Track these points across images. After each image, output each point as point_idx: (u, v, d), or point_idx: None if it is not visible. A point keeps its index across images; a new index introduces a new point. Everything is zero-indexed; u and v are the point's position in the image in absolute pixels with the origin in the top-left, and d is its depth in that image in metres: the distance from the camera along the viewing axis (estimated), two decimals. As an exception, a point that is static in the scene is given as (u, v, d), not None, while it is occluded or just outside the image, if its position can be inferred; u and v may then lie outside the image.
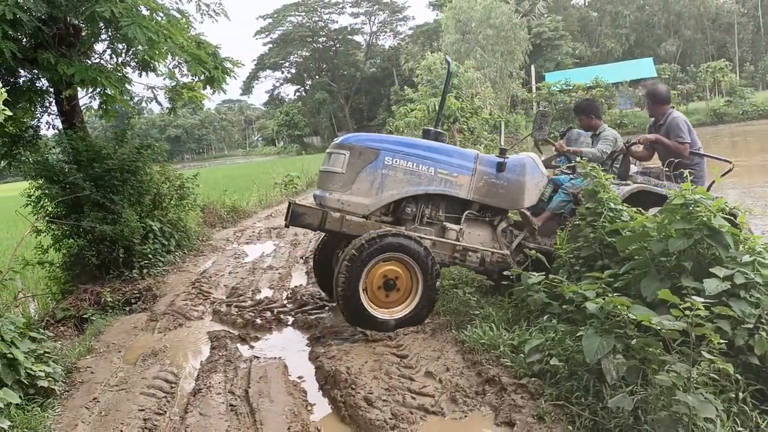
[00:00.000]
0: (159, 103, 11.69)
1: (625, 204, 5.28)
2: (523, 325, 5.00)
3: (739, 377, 3.41)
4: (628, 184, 5.93)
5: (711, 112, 41.13)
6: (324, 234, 6.60)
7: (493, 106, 32.74)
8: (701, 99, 45.16)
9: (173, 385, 5.11)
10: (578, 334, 3.93)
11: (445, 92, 6.65)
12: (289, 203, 5.91)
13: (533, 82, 51.36)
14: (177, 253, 10.01)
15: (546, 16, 58.11)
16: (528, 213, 6.14)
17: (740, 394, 3.36)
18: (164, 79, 10.76)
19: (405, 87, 32.08)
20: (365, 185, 5.76)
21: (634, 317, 3.33)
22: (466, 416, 4.04)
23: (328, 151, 6.07)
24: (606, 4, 69.45)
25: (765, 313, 3.59)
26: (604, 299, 3.77)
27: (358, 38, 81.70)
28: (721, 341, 3.17)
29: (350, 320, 5.60)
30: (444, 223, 6.09)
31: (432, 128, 6.39)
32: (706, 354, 3.08)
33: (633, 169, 6.39)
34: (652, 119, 6.46)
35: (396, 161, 5.79)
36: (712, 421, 3.06)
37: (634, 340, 3.38)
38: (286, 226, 5.92)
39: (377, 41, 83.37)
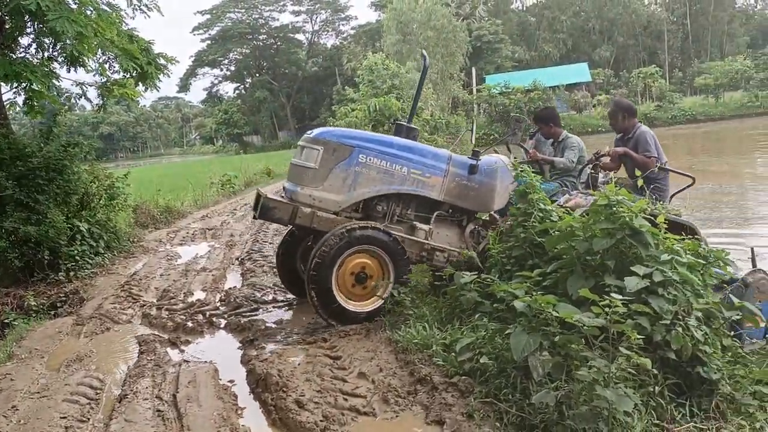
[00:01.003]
0: (88, 100, 11.32)
1: (559, 206, 5.40)
2: (456, 325, 5.04)
3: (657, 372, 3.52)
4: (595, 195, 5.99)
5: (642, 117, 42.65)
6: (291, 229, 6.57)
7: (434, 108, 33.08)
8: (633, 103, 46.75)
9: (98, 392, 4.93)
10: (507, 332, 3.99)
11: (420, 86, 6.58)
12: (259, 195, 5.83)
13: (474, 84, 52.22)
14: (106, 255, 9.68)
15: (486, 19, 59.12)
16: (497, 216, 6.18)
17: (657, 387, 3.48)
18: (94, 74, 10.44)
19: (346, 87, 32.03)
20: (338, 182, 5.72)
21: (558, 315, 3.40)
22: (397, 416, 4.05)
23: (300, 144, 5.99)
24: (544, 9, 71.21)
25: (681, 309, 3.73)
26: (531, 297, 3.84)
27: (299, 37, 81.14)
28: (639, 337, 3.27)
29: (323, 314, 5.62)
30: (414, 222, 6.09)
31: (405, 123, 6.37)
32: (624, 350, 3.17)
33: (600, 178, 6.44)
34: (620, 134, 6.40)
35: (370, 159, 5.76)
36: (630, 414, 3.15)
37: (558, 337, 3.45)
38: (255, 218, 5.84)
39: (319, 40, 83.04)
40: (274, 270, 8.61)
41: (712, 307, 3.84)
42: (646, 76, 47.75)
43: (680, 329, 3.61)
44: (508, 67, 61.14)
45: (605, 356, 3.24)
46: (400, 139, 6.05)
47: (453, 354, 4.47)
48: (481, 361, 4.12)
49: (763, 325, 4.17)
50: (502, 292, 4.55)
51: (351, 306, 5.66)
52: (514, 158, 6.78)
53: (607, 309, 3.19)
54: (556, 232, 4.79)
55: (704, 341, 3.66)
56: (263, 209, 5.68)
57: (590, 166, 6.40)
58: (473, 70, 53.53)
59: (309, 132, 6.11)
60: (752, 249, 5.95)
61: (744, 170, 19.15)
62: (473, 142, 7.15)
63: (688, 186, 6.32)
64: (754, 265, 5.97)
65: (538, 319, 3.81)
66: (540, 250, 5.05)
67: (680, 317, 3.68)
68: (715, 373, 3.60)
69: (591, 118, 44.61)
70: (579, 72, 54.00)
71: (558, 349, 3.70)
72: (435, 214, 6.16)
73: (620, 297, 3.22)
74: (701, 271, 4.10)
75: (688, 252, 4.15)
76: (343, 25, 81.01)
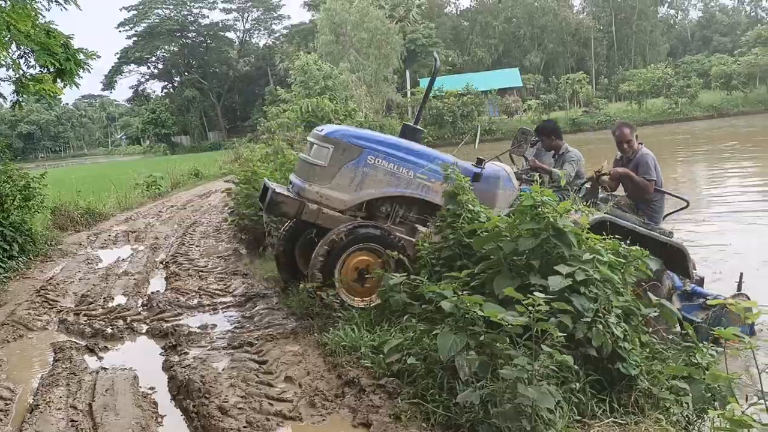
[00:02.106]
0: (2, 96, 10.73)
1: (484, 207, 5.44)
2: (385, 326, 5.01)
3: (579, 368, 3.58)
4: (593, 213, 6.01)
5: (570, 121, 44.04)
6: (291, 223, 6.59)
7: (368, 110, 33.12)
8: (562, 108, 48.29)
9: (8, 402, 4.66)
10: (434, 333, 3.98)
11: (430, 88, 6.64)
12: (266, 188, 5.88)
13: (408, 86, 52.63)
14: (20, 259, 9.18)
15: (420, 23, 59.66)
16: None
17: (579, 384, 3.54)
18: (8, 70, 9.89)
19: (278, 87, 31.64)
20: (345, 181, 5.77)
21: (483, 314, 3.40)
22: (324, 420, 3.98)
23: (310, 140, 6.04)
24: (477, 14, 72.48)
25: (602, 307, 3.81)
26: (458, 298, 3.84)
27: (230, 35, 79.53)
28: (561, 335, 3.31)
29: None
30: (415, 224, 6.12)
31: (411, 125, 6.44)
32: (546, 347, 3.20)
33: (599, 195, 6.51)
34: (625, 154, 6.41)
35: (378, 161, 5.80)
36: (552, 411, 3.19)
37: (483, 336, 3.46)
38: (262, 209, 5.86)
39: (251, 39, 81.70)
40: (201, 273, 8.40)
41: (632, 305, 3.94)
42: (574, 82, 49.30)
43: (600, 326, 3.69)
44: (442, 70, 61.78)
45: (529, 354, 3.26)
46: (409, 143, 6.08)
47: (381, 356, 4.43)
48: (409, 361, 4.10)
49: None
50: (431, 293, 4.55)
51: (355, 303, 5.65)
52: (516, 168, 6.77)
53: (530, 307, 3.21)
54: (484, 233, 4.83)
55: (623, 338, 3.75)
56: (271, 203, 5.73)
57: (589, 182, 6.46)
58: (407, 73, 53.98)
59: (319, 129, 6.14)
60: (741, 274, 6.38)
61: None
62: (477, 148, 7.29)
63: (682, 208, 6.54)
64: (739, 289, 6.30)
65: (464, 318, 3.82)
66: (469, 250, 5.08)
67: (601, 315, 3.75)
68: (634, 368, 3.70)
69: (521, 122, 45.60)
70: (510, 77, 55.23)
71: (484, 348, 3.72)
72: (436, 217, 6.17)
73: (543, 296, 3.24)
74: (622, 270, 4.20)
75: (609, 251, 4.24)
76: (275, 24, 79.95)
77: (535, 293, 3.26)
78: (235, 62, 76.43)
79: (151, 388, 4.77)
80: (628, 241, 4.51)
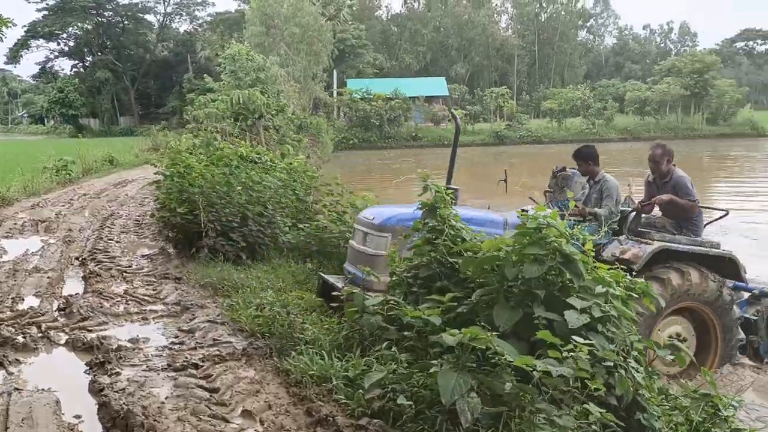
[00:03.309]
0: None
1: (465, 224, 4.97)
2: (357, 352, 4.43)
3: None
4: (649, 243, 5.96)
5: (494, 134, 44.83)
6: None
7: (296, 106, 32.26)
8: (486, 121, 49.08)
9: None
10: (431, 370, 3.46)
11: (455, 146, 6.37)
12: (326, 283, 5.85)
13: (335, 86, 51.97)
14: None
15: (350, 23, 59.16)
16: None
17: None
18: None
19: (204, 75, 30.18)
20: None
21: (511, 361, 2.91)
22: (295, 468, 3.37)
23: (361, 230, 5.89)
24: (407, 20, 72.80)
25: (621, 349, 3.41)
26: (460, 332, 3.33)
27: (150, 18, 75.69)
28: (600, 387, 2.87)
29: None
30: None
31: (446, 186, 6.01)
32: (594, 408, 2.74)
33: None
34: (654, 174, 6.54)
35: None
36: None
37: (509, 384, 2.96)
38: (329, 307, 5.50)
39: (171, 24, 78.16)
40: (124, 274, 7.51)
41: (649, 346, 3.57)
42: (498, 96, 50.18)
43: (623, 371, 3.28)
44: (369, 73, 61.68)
45: (563, 408, 2.80)
46: (459, 211, 5.43)
47: (359, 390, 3.86)
48: (399, 401, 3.55)
49: None
50: (413, 318, 4.03)
51: None
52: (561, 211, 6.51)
53: (569, 354, 2.75)
54: (470, 254, 4.38)
55: (644, 384, 3.36)
56: (342, 303, 4.98)
57: (634, 213, 6.37)
58: (335, 72, 53.31)
59: (368, 216, 5.98)
60: None
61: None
62: (507, 192, 6.91)
63: (721, 217, 6.73)
64: None
65: (466, 355, 3.33)
66: (449, 271, 4.60)
67: (622, 357, 3.35)
68: (656, 420, 3.31)
69: (447, 131, 46.05)
70: (437, 85, 55.68)
71: (482, 388, 3.25)
72: None
73: (582, 341, 2.78)
74: (631, 305, 3.83)
75: (619, 283, 3.86)
76: (198, 10, 76.69)
77: (574, 338, 2.80)
78: (153, 46, 72.87)
79: (77, 417, 3.99)
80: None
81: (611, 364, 3.28)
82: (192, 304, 6.21)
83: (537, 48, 73.63)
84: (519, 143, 43.31)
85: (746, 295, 6.55)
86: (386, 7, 80.00)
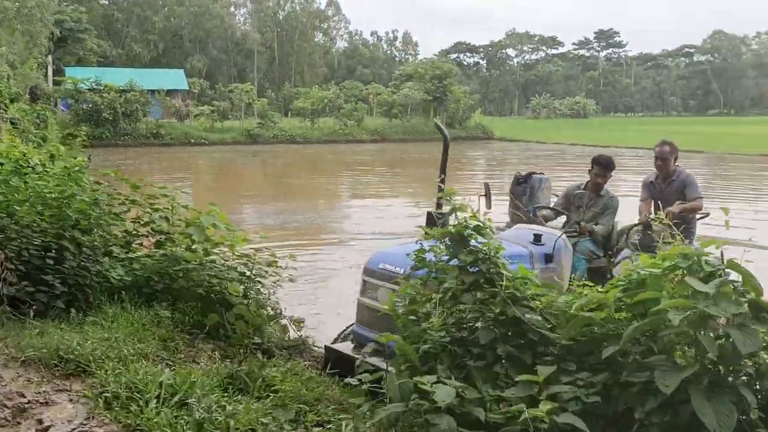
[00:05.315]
0: None
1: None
2: None
3: None
4: None
5: (245, 132, 42.65)
6: None
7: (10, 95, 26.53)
8: (236, 118, 46.57)
9: None
10: None
11: (445, 162, 5.19)
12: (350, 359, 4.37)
13: (50, 74, 44.88)
14: None
15: (68, 5, 51.84)
16: None
17: None
18: None
19: None
20: None
21: None
22: None
23: (376, 283, 4.66)
24: (134, 6, 66.29)
25: None
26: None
27: None
28: None
29: None
30: None
31: (434, 212, 4.93)
32: None
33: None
34: (661, 174, 6.04)
35: None
36: None
37: None
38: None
39: None
40: None
41: None
42: (243, 93, 47.91)
43: None
44: (92, 61, 54.89)
45: None
46: None
47: None
48: None
49: None
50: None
51: None
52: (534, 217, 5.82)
53: None
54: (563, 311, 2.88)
55: None
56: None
57: (640, 227, 5.60)
58: (50, 58, 46.11)
59: (388, 265, 4.63)
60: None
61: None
62: (491, 209, 5.25)
63: (702, 217, 6.08)
64: None
65: None
66: (512, 333, 2.94)
67: None
68: None
69: (193, 128, 42.59)
70: (176, 78, 51.39)
71: None
72: None
73: None
74: None
75: None
76: None
77: None
78: None
79: None
80: None
81: None
82: (29, 402, 3.38)
83: (277, 45, 72.82)
84: (273, 142, 41.61)
85: None
86: (107, -12, 71.94)
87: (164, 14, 66.40)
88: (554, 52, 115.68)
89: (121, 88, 40.44)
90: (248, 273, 5.05)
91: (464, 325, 3.08)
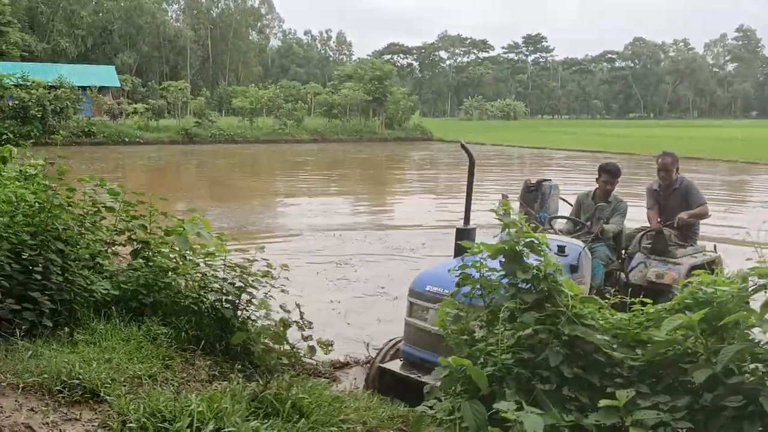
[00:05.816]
0: None
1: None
2: None
3: None
4: (678, 263, 5.77)
5: (182, 131, 41.84)
6: None
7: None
8: (173, 116, 45.50)
9: None
10: None
11: (471, 183, 5.36)
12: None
13: (-33, 68, 42.70)
14: None
15: (-14, -6, 49.36)
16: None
17: None
18: None
19: None
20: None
21: None
22: None
23: (426, 305, 4.63)
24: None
25: None
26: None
27: None
28: None
29: None
30: None
31: (464, 227, 5.31)
32: None
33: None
34: (665, 183, 6.31)
35: None
36: None
37: None
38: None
39: None
40: None
41: None
42: (177, 90, 46.94)
43: None
44: (16, 55, 52.51)
45: None
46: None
47: None
48: None
49: None
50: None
51: None
52: (543, 225, 5.88)
53: None
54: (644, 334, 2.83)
55: None
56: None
57: (653, 233, 6.00)
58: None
59: (433, 287, 4.65)
60: None
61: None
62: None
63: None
64: None
65: None
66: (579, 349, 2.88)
67: None
68: None
69: (128, 126, 41.49)
70: (107, 75, 49.84)
71: None
72: None
73: None
74: None
75: None
76: None
77: None
78: None
79: None
80: None
81: None
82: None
83: (210, 43, 71.52)
84: (211, 142, 40.98)
85: None
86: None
87: (92, 8, 64.11)
88: (485, 55, 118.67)
89: (49, 84, 39.03)
90: (242, 284, 4.71)
91: (525, 345, 2.96)
